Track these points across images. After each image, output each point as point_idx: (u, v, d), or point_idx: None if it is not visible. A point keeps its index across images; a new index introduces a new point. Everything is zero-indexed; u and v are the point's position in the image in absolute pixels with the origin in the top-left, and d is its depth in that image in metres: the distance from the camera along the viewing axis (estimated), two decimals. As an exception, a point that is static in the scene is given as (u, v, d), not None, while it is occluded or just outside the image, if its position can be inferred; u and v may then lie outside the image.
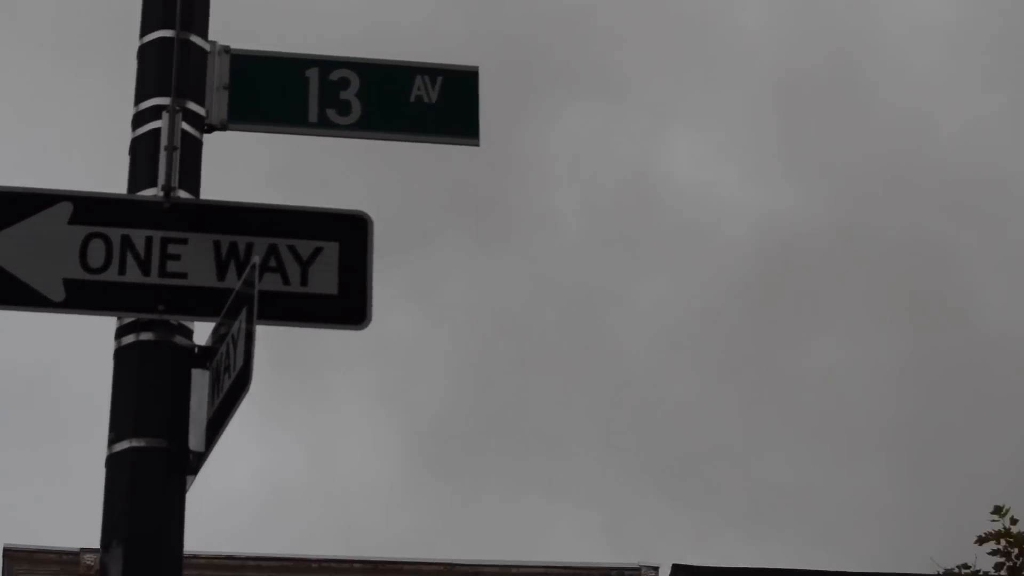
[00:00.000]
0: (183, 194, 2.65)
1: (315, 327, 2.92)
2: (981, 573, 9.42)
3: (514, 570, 16.37)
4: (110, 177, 2.90)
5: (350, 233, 2.76)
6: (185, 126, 2.69)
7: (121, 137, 2.83)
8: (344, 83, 2.95)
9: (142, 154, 2.70)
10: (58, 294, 2.55)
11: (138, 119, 2.72)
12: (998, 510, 9.27)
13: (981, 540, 9.35)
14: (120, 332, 2.57)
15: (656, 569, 16.08)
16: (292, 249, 2.68)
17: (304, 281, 2.67)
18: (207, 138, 2.83)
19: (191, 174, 2.70)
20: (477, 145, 3.07)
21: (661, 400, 28.54)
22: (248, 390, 2.24)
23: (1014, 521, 9.23)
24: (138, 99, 2.73)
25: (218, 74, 2.83)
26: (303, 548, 15.48)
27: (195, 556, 12.45)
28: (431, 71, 3.02)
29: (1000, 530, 9.21)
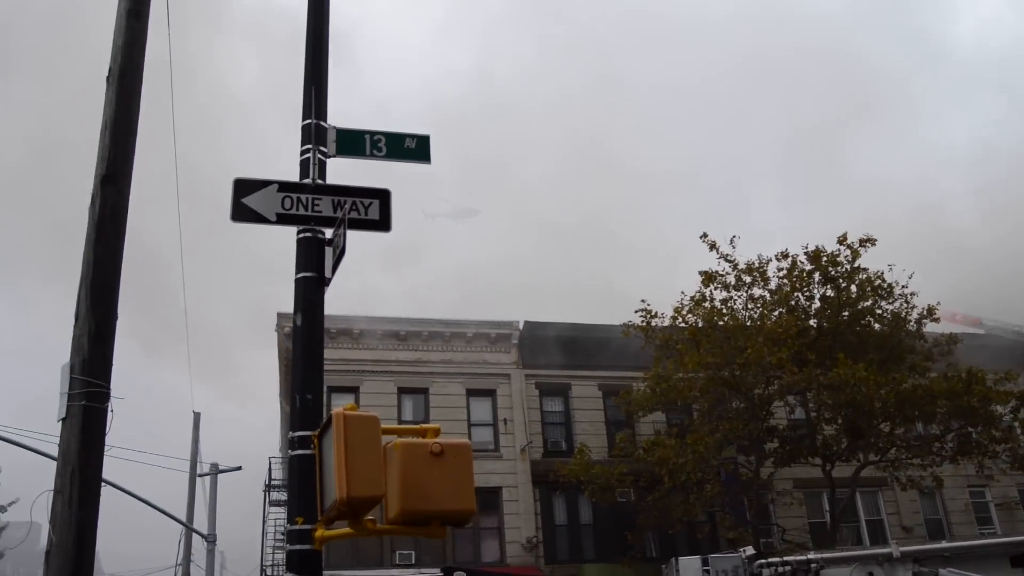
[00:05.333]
0: (320, 181, 6.52)
1: (369, 232, 6.61)
2: (635, 324, 23.40)
3: (448, 321, 28.57)
4: (292, 174, 6.58)
5: (383, 196, 6.70)
6: (319, 156, 6.58)
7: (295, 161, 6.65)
8: (379, 139, 6.97)
9: (304, 166, 6.57)
10: (273, 218, 6.36)
11: (302, 153, 6.60)
12: (643, 301, 23.59)
13: (636, 311, 23.49)
14: (298, 233, 6.33)
15: (519, 322, 28.54)
16: (362, 202, 6.58)
17: (366, 214, 6.58)
18: (329, 161, 6.67)
19: (322, 173, 6.58)
20: (429, 163, 7.13)
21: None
22: (344, 256, 6.01)
23: (649, 305, 23.38)
24: (302, 144, 6.62)
25: (331, 135, 6.76)
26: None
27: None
28: (411, 135, 7.11)
29: (644, 309, 23.41)
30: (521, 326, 28.64)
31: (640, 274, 56.51)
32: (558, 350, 28.37)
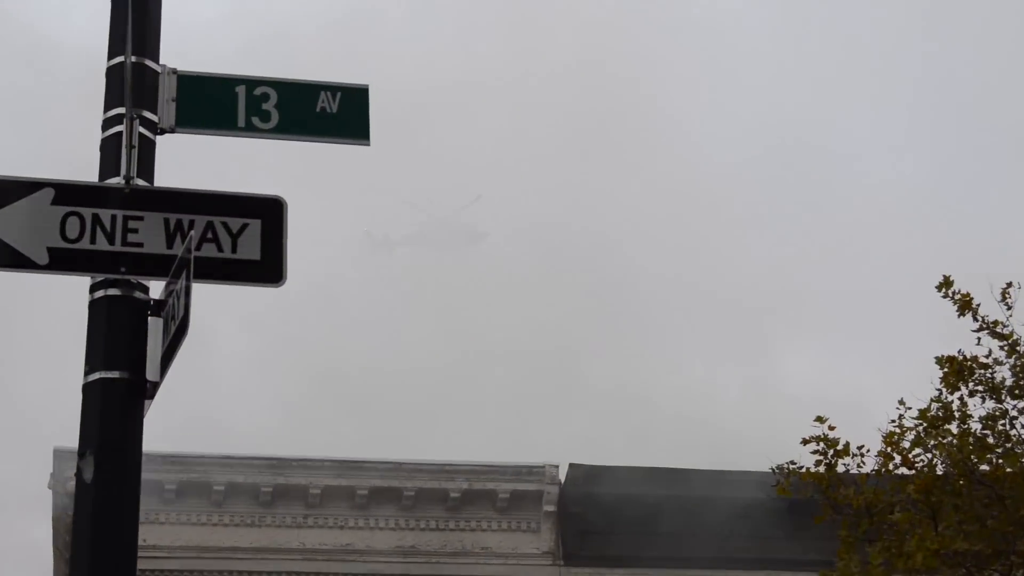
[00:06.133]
0: (141, 182, 6.62)
1: (243, 285, 7.00)
2: (804, 468, 23.21)
3: (448, 467, 30.35)
4: (85, 170, 6.86)
5: (270, 213, 6.88)
6: (142, 130, 6.67)
7: (95, 139, 6.77)
8: (265, 97, 7.19)
9: (109, 151, 6.68)
10: (43, 259, 6.42)
11: (106, 124, 6.72)
12: (820, 419, 23.17)
13: (805, 442, 23.29)
14: (93, 288, 6.41)
15: (556, 467, 30.67)
16: (224, 224, 6.69)
17: (234, 249, 6.70)
18: (160, 139, 6.88)
19: (147, 167, 6.70)
20: (368, 145, 7.44)
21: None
22: (187, 334, 5.91)
23: (831, 428, 23.13)
24: (106, 108, 6.73)
25: (168, 90, 6.94)
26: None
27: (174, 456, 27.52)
28: (332, 88, 7.40)
29: (820, 435, 23.07)
30: (562, 475, 29.47)
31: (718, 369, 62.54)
32: (635, 524, 28.69)
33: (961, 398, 23.11)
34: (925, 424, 22.75)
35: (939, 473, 22.50)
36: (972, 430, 22.96)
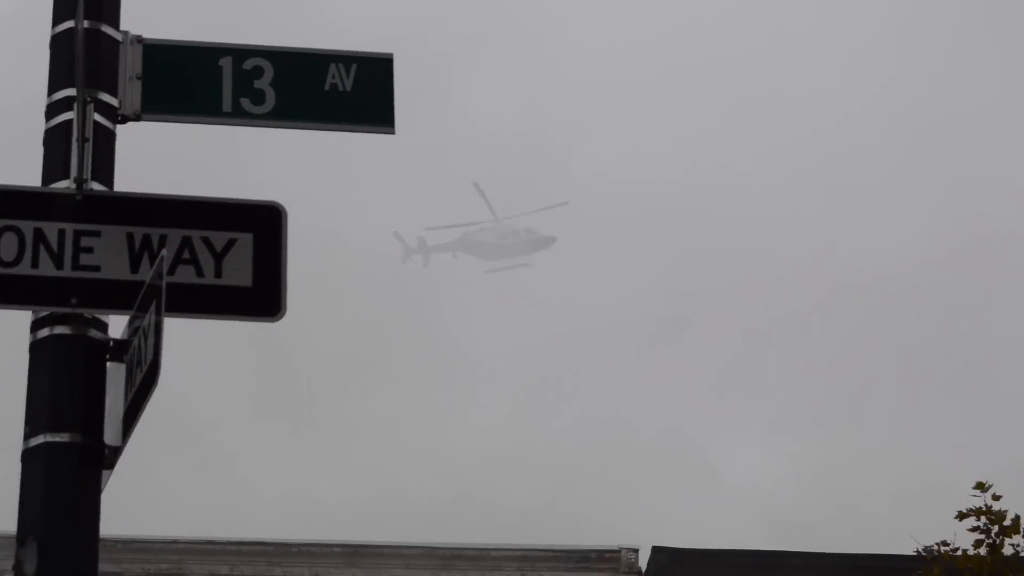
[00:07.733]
0: (96, 186, 5.63)
1: (229, 319, 5.92)
2: (960, 550, 20.83)
3: (493, 553, 30.13)
4: (25, 169, 5.67)
5: (264, 225, 5.81)
6: (97, 117, 5.67)
7: (37, 128, 5.63)
8: (258, 72, 6.10)
9: (54, 146, 5.68)
10: None
11: (51, 110, 5.72)
12: (980, 486, 20.84)
13: (961, 516, 21.09)
14: (35, 326, 5.48)
15: (636, 551, 30.65)
16: (206, 240, 5.68)
17: (218, 273, 5.68)
18: (121, 129, 5.89)
19: (104, 165, 5.71)
20: (393, 133, 6.24)
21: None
22: (157, 383, 4.71)
23: (996, 498, 20.78)
24: (51, 90, 5.68)
25: (131, 64, 5.92)
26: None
27: (175, 541, 26.54)
28: (345, 58, 6.24)
29: (981, 507, 20.81)
30: (643, 560, 29.17)
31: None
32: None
33: None
34: None
35: None
36: None
